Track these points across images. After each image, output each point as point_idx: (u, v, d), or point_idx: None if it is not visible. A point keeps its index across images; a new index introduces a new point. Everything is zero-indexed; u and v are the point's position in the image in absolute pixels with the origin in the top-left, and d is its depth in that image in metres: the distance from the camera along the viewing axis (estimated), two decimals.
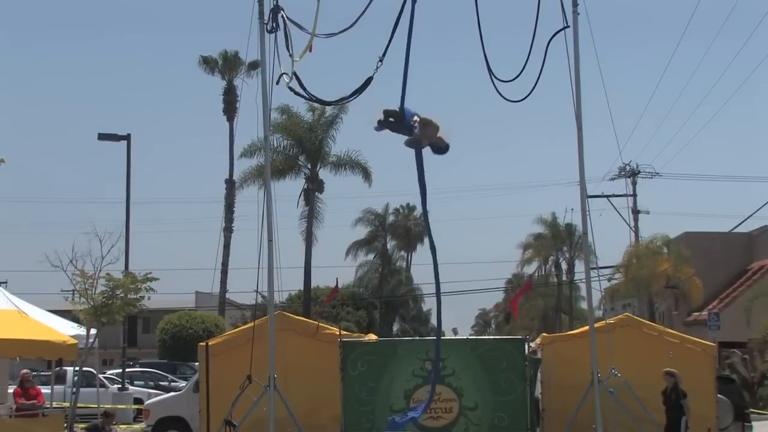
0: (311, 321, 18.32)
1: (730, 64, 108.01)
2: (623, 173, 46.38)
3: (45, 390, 19.78)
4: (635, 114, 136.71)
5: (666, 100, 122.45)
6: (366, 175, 48.17)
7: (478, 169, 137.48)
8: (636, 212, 46.23)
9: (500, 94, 13.24)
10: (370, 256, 71.76)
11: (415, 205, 67.58)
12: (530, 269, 67.66)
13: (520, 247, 67.85)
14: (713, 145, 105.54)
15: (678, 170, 75.26)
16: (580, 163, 14.92)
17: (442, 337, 12.58)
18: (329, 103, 16.33)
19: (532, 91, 13.49)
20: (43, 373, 27.84)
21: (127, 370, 33.33)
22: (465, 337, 16.98)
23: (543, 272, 70.44)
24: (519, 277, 72.87)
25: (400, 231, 71.49)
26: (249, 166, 47.69)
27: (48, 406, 19.13)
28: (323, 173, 48.18)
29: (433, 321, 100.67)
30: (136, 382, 33.54)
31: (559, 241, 66.46)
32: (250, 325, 16.83)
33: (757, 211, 55.76)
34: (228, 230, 49.20)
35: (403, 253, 75.61)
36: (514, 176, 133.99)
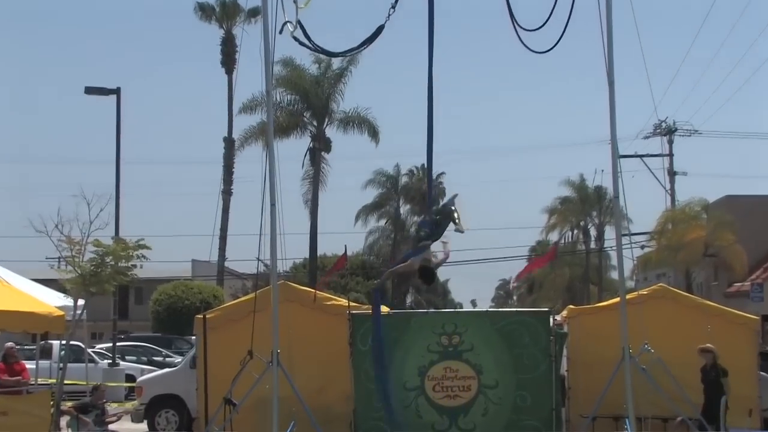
0: (319, 292, 18.39)
1: None
2: (658, 131, 46.19)
3: (30, 365, 19.92)
4: (672, 66, 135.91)
5: (706, 51, 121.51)
6: (373, 133, 48.09)
7: (499, 127, 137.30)
8: (672, 174, 46.07)
9: (523, 44, 13.20)
10: (382, 222, 71.80)
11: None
12: (556, 236, 67.77)
13: (545, 212, 67.93)
14: (757, 100, 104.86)
15: (719, 127, 74.51)
16: (612, 120, 14.84)
17: (459, 310, 12.72)
18: (337, 55, 16.26)
19: (559, 40, 13.44)
20: (28, 348, 28.06)
21: (118, 344, 33.56)
22: (484, 310, 16.99)
23: (570, 239, 70.49)
24: (543, 244, 72.83)
25: (414, 194, 71.33)
26: (249, 124, 47.80)
27: (33, 382, 19.28)
28: (330, 131, 48.19)
29: (453, 295, 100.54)
30: (127, 358, 33.85)
31: (588, 205, 66.42)
32: (252, 296, 16.93)
33: None
34: (227, 193, 49.35)
35: (417, 218, 75.64)
36: (538, 135, 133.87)
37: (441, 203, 13.92)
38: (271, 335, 14.22)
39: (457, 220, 13.91)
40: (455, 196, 14.33)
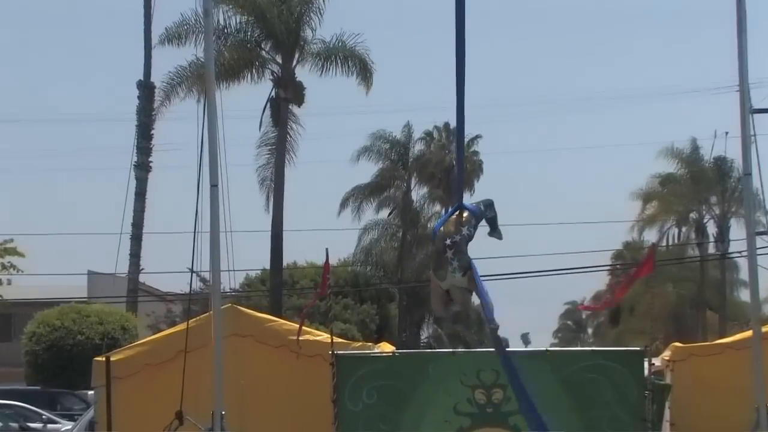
0: (286, 321, 18.40)
1: None
2: None
3: None
4: None
5: None
6: (364, 73, 47.97)
7: (562, 69, 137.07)
8: None
9: None
10: (384, 213, 71.69)
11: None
12: (654, 236, 67.58)
13: (637, 197, 67.77)
14: None
15: None
16: (741, 56, 14.86)
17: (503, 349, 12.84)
18: None
19: None
20: None
21: None
22: (542, 349, 16.88)
23: (675, 240, 70.38)
24: (634, 248, 72.83)
25: (434, 169, 71.23)
26: (177, 63, 47.66)
27: None
28: (302, 72, 48.15)
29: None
30: None
31: (704, 187, 66.27)
32: (181, 326, 16.95)
33: None
34: (143, 168, 49.39)
35: (438, 207, 75.47)
36: (624, 81, 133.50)
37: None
38: (211, 388, 14.27)
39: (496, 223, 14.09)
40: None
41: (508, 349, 14.56)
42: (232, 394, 14.65)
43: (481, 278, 13.55)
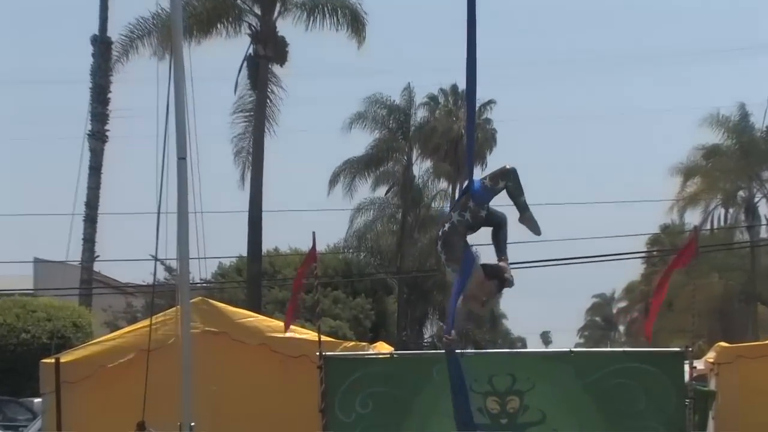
0: (266, 317, 18.44)
1: None
2: None
3: None
4: None
5: None
6: (355, 25, 47.84)
7: (594, 29, 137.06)
8: None
9: None
10: (380, 191, 71.63)
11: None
12: (697, 217, 67.54)
13: (676, 173, 67.67)
14: None
15: None
16: None
17: (520, 350, 12.84)
18: None
19: None
20: None
21: None
22: (566, 350, 16.92)
23: (721, 223, 70.37)
24: (673, 232, 72.85)
25: (440, 140, 71.15)
26: (138, 14, 47.61)
27: None
28: (284, 26, 48.11)
29: (509, 324, 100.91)
30: None
31: (755, 160, 66.21)
32: (143, 323, 16.99)
33: None
34: (99, 138, 49.32)
35: (444, 183, 75.52)
36: (659, 37, 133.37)
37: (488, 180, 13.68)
38: (178, 394, 14.30)
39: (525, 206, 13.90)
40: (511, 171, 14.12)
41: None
42: (203, 401, 14.69)
43: (465, 281, 13.53)
